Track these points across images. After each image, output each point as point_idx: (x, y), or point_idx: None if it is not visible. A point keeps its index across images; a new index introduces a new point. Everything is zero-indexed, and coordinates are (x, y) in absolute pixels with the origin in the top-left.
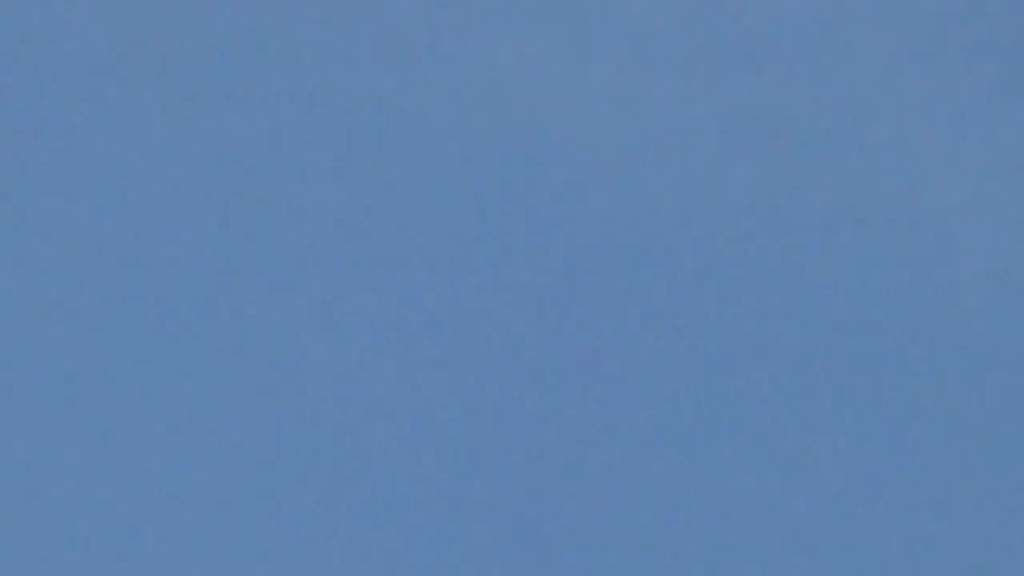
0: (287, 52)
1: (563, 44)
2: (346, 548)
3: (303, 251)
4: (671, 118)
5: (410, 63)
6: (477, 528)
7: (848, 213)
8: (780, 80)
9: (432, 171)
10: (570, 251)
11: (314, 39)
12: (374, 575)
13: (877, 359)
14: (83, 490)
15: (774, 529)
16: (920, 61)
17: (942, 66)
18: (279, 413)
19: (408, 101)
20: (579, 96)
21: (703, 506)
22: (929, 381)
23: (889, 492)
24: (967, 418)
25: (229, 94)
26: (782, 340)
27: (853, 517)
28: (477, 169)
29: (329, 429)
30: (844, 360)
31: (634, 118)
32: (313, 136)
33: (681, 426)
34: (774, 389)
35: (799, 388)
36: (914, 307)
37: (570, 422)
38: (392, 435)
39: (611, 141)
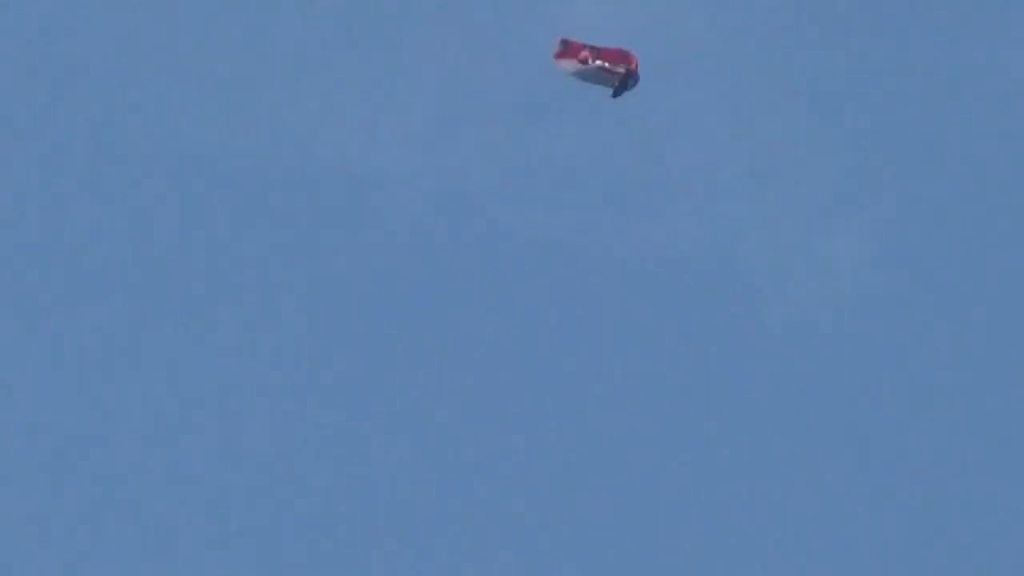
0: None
1: (372, 93)
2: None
3: None
4: (479, 165)
5: (220, 111)
6: None
7: (654, 260)
8: (586, 129)
9: (239, 212)
10: (376, 283)
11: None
12: None
13: (687, 399)
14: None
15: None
16: (723, 110)
17: (748, 112)
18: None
19: (218, 147)
20: (388, 143)
21: None
22: (742, 420)
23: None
24: (776, 455)
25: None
26: (584, 383)
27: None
28: (282, 211)
29: None
30: (658, 398)
31: (442, 166)
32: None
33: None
34: (584, 423)
35: (603, 423)
36: (728, 352)
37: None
38: None
39: (418, 186)
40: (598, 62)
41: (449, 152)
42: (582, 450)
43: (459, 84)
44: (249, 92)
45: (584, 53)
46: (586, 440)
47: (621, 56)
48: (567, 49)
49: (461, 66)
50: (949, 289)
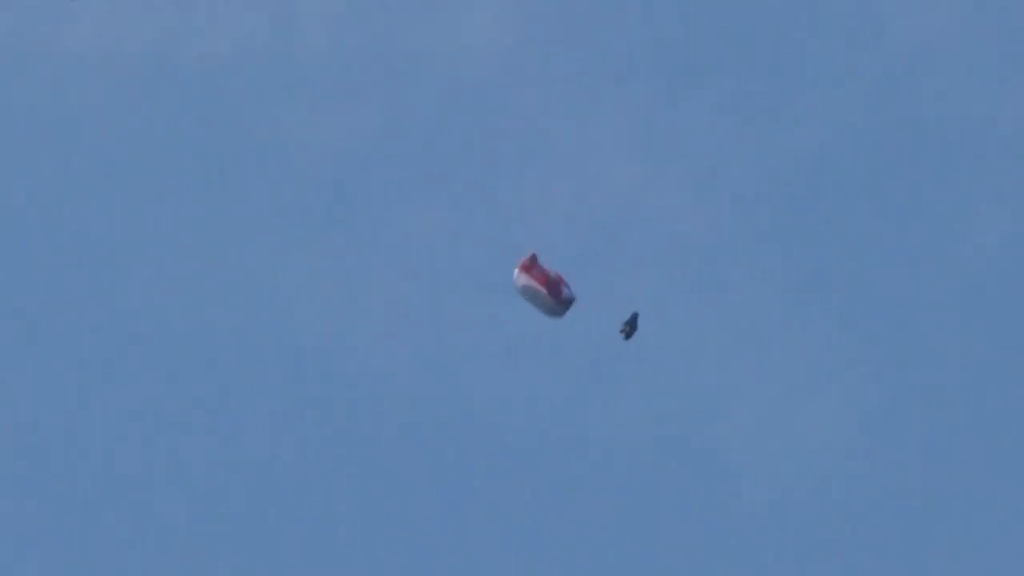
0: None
1: (349, 269)
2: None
3: None
4: (452, 340)
5: (200, 285)
6: None
7: (630, 438)
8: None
9: (213, 392)
10: (356, 453)
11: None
12: None
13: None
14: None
15: None
16: (701, 279)
17: (723, 286)
18: None
19: (199, 322)
20: (368, 318)
21: None
22: None
23: None
24: None
25: None
26: (559, 562)
27: None
28: (264, 384)
29: None
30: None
31: (415, 340)
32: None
33: None
34: None
35: None
36: (705, 531)
37: None
38: None
39: (391, 362)
40: (543, 289)
41: (429, 327)
42: None
43: (441, 259)
44: (231, 266)
45: (540, 276)
46: None
47: (555, 289)
48: (531, 265)
49: (443, 241)
50: (929, 465)
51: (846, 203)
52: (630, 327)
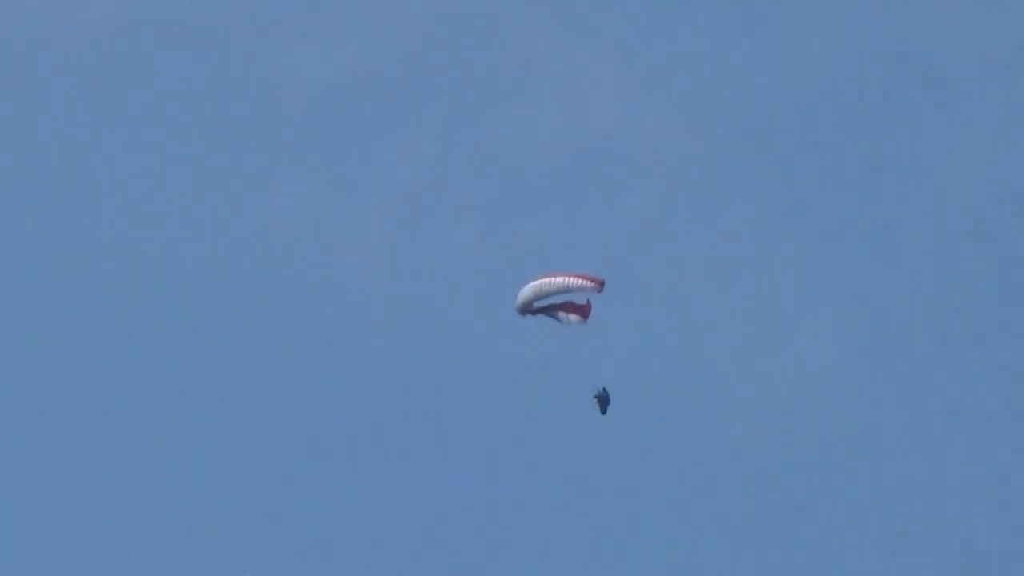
0: None
1: (340, 190)
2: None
3: None
4: (443, 261)
5: (190, 212)
6: None
7: (621, 360)
8: (550, 224)
9: (211, 317)
10: (341, 380)
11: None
12: None
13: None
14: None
15: None
16: (692, 203)
17: (714, 210)
18: None
19: (190, 248)
20: (354, 240)
21: None
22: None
23: None
24: (748, 554)
25: None
26: (554, 486)
27: None
28: (251, 310)
29: None
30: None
31: (407, 262)
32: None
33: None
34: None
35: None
36: (698, 450)
37: None
38: None
39: (383, 283)
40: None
41: (417, 251)
42: (554, 556)
43: (429, 183)
44: (224, 192)
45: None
46: (558, 544)
47: (576, 309)
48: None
49: (431, 166)
50: (917, 385)
51: (838, 124)
52: (602, 401)
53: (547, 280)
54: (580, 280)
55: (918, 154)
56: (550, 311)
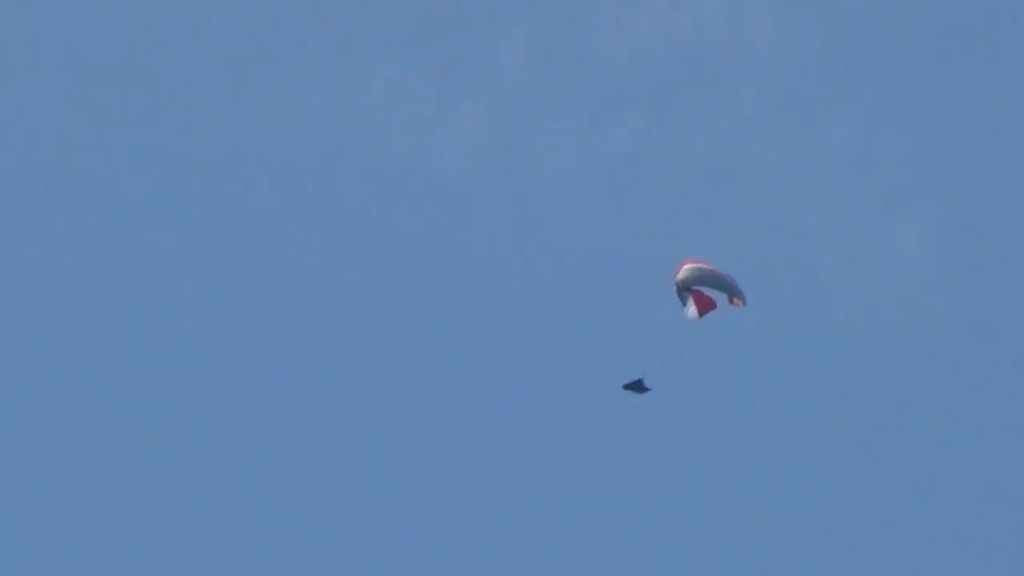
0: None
1: (438, 88)
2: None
3: None
4: (544, 164)
5: (288, 111)
6: None
7: (721, 259)
8: (649, 123)
9: (309, 210)
10: (442, 278)
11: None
12: None
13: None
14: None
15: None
16: (789, 101)
17: (811, 107)
18: None
19: (286, 147)
20: (452, 141)
21: None
22: (808, 407)
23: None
24: (844, 440)
25: None
26: (653, 380)
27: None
28: (350, 209)
29: None
30: (728, 390)
31: (504, 160)
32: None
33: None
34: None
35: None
36: (794, 339)
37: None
38: None
39: (483, 183)
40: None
41: (513, 151)
42: (649, 444)
43: (525, 83)
44: (316, 91)
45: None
46: (653, 436)
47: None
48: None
49: (526, 65)
50: (1015, 279)
51: (942, 22)
52: (636, 386)
53: (710, 270)
54: (733, 288)
55: (1018, 55)
56: (710, 288)
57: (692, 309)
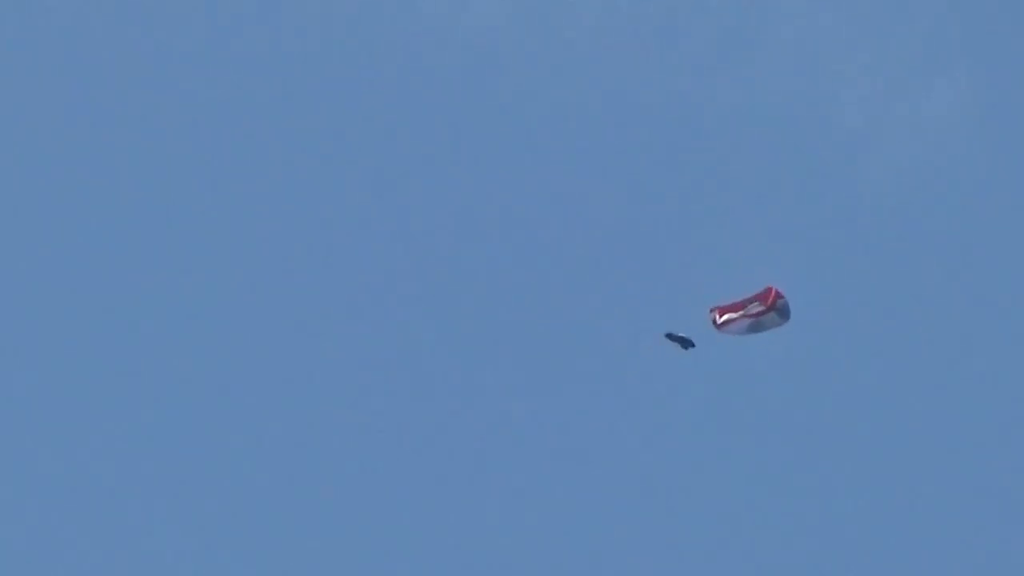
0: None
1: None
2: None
3: None
4: (573, 19)
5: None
6: None
7: (752, 115)
8: None
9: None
10: (478, 130)
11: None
12: None
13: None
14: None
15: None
16: None
17: None
18: None
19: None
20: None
21: None
22: (846, 272)
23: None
24: (876, 313)
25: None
26: (680, 232)
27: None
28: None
29: None
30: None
31: (536, 20)
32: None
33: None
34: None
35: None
36: (829, 196)
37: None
38: None
39: (513, 40)
40: (745, 316)
41: (542, 7)
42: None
43: None
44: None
45: (732, 313)
46: (684, 287)
47: (760, 297)
48: (721, 315)
49: None
50: None
51: None
52: (682, 340)
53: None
54: (757, 308)
55: None
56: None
57: (718, 317)
